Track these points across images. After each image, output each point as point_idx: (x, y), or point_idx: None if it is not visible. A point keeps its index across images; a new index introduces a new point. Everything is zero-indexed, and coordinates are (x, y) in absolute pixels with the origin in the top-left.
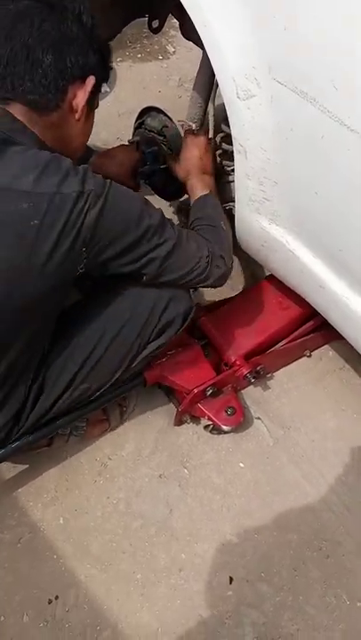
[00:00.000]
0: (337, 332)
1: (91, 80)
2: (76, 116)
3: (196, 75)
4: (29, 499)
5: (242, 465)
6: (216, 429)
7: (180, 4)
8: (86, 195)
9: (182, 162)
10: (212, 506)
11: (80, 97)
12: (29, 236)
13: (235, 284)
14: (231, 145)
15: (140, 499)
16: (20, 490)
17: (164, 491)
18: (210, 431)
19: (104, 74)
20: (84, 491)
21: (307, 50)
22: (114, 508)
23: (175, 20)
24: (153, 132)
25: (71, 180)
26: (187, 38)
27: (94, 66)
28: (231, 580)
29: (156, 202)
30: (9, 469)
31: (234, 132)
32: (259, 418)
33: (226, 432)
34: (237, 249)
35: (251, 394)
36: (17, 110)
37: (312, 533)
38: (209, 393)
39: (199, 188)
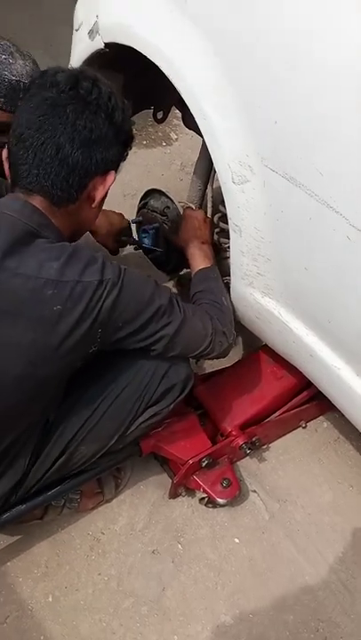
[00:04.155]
0: (331, 402)
1: (111, 176)
2: (93, 205)
3: (196, 160)
4: (18, 574)
5: (237, 540)
6: (211, 502)
7: (182, 98)
8: (105, 283)
9: (182, 233)
10: (206, 583)
11: (99, 190)
12: (52, 319)
13: (231, 354)
14: (228, 224)
15: (132, 576)
16: (9, 564)
17: (158, 567)
18: (205, 504)
19: (124, 157)
20: (76, 566)
21: (295, 141)
22: (105, 586)
23: (178, 111)
24: (155, 212)
25: (91, 269)
26: (188, 127)
27: (117, 159)
28: None
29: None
30: None
31: (229, 212)
32: (254, 491)
33: (221, 505)
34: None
35: (246, 466)
36: (37, 202)
37: (309, 613)
38: (204, 464)
39: (199, 257)
